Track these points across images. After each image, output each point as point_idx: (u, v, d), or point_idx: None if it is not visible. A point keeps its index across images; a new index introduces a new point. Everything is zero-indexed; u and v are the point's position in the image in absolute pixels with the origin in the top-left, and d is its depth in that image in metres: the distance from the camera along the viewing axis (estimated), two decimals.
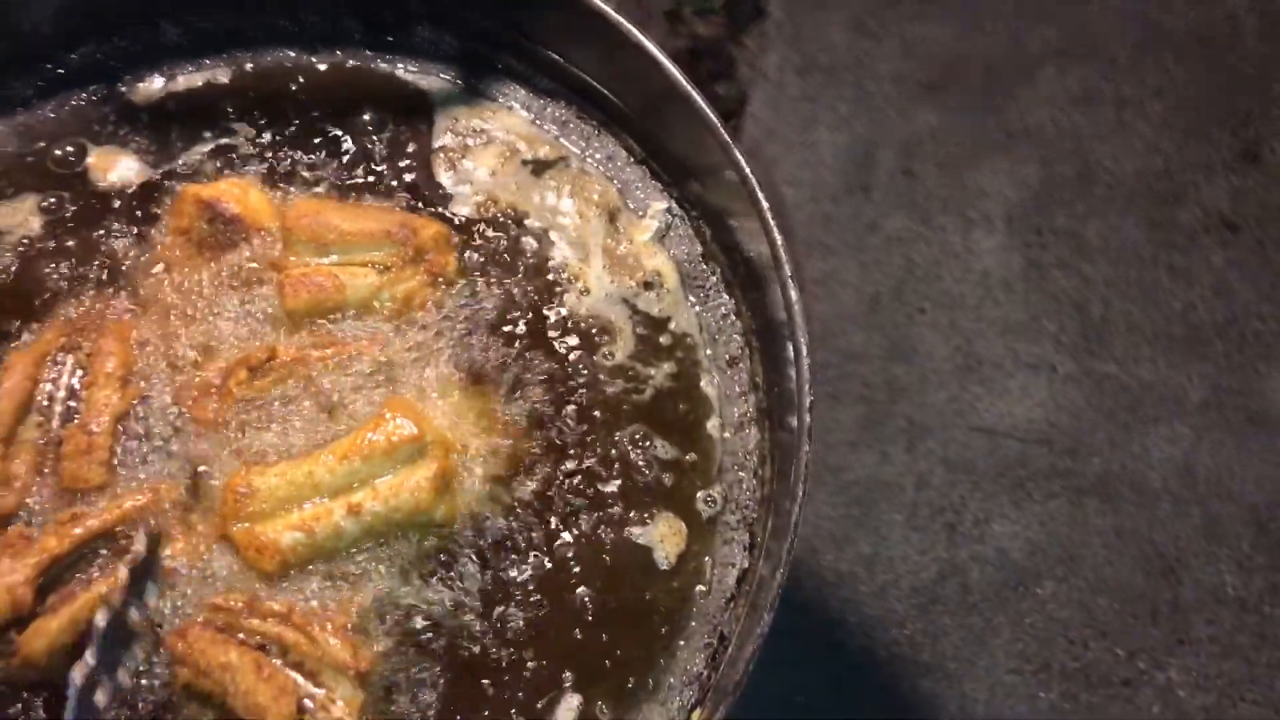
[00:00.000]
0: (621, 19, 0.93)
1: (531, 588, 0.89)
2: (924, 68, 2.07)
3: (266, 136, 1.06)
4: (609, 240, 1.02)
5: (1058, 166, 1.98)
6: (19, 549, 0.85)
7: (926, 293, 1.87)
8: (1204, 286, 1.88)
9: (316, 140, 1.06)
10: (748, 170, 0.88)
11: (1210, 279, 1.88)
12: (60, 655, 0.84)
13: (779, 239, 0.85)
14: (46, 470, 0.89)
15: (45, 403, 0.92)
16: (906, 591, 1.66)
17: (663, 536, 0.92)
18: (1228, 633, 1.64)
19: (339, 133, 1.06)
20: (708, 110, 0.90)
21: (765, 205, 0.86)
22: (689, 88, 0.90)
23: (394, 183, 1.05)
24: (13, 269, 0.99)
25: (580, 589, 0.89)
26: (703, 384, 0.96)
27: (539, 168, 1.06)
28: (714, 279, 1.00)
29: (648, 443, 0.94)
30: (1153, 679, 1.61)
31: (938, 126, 2.01)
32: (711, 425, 0.95)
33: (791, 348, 0.84)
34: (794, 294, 0.83)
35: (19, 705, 0.83)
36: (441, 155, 1.06)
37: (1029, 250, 1.91)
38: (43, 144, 1.04)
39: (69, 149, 1.04)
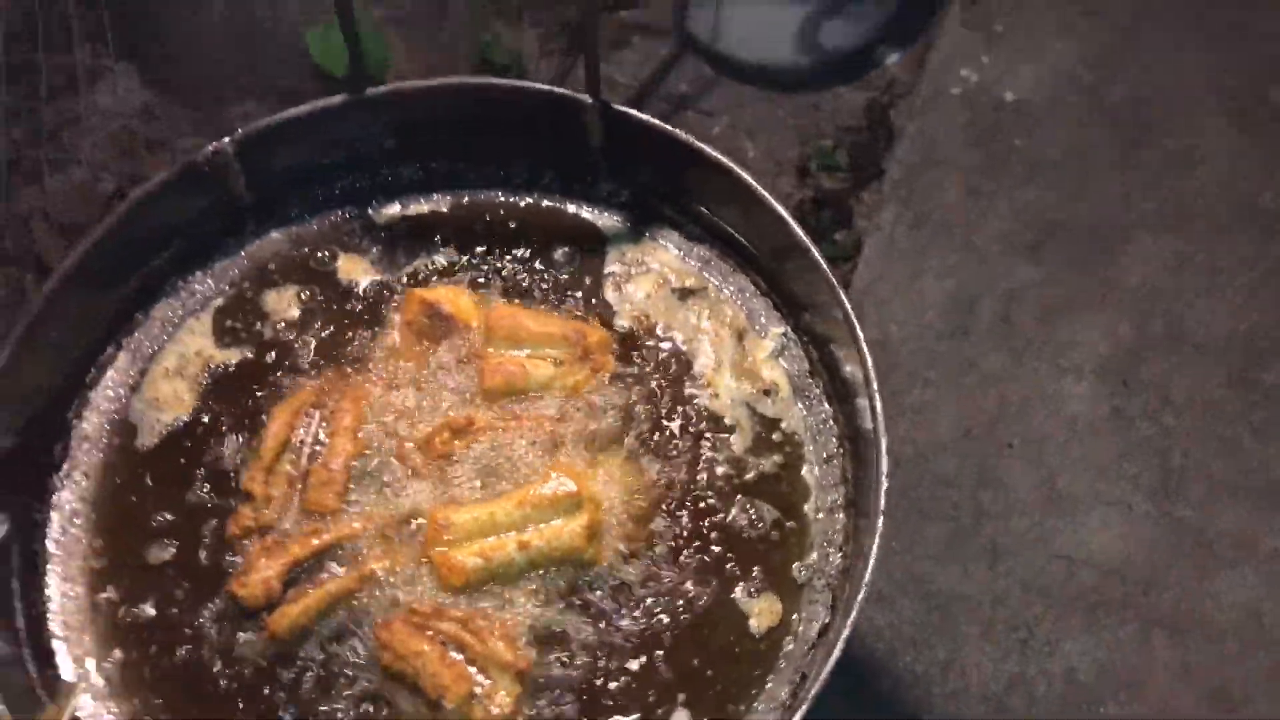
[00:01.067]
0: (756, 184, 1.20)
1: (654, 622, 1.12)
2: (1029, 228, 2.30)
3: (474, 256, 1.36)
4: (736, 355, 1.28)
5: (1148, 325, 2.17)
6: (273, 552, 1.13)
7: (1016, 429, 2.06)
8: None
9: (513, 261, 1.35)
10: (849, 307, 1.13)
11: None
12: (296, 633, 1.10)
13: (869, 362, 1.09)
14: (296, 496, 1.18)
15: (298, 445, 1.20)
16: (976, 698, 1.82)
17: (760, 610, 1.14)
18: None
19: (531, 256, 1.36)
20: (820, 258, 1.16)
21: (860, 335, 1.11)
22: (806, 240, 1.17)
23: (571, 298, 1.33)
24: (276, 341, 1.30)
25: (692, 628, 1.12)
26: (803, 473, 1.20)
27: (684, 294, 1.33)
28: (818, 391, 1.24)
29: (757, 515, 1.17)
30: None
31: (1037, 281, 2.23)
32: (808, 507, 1.18)
33: (875, 452, 1.07)
34: (878, 406, 1.07)
35: (264, 668, 1.10)
36: (610, 279, 1.34)
37: (1115, 399, 2.10)
38: (306, 249, 1.36)
39: (324, 254, 1.36)
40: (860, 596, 1.00)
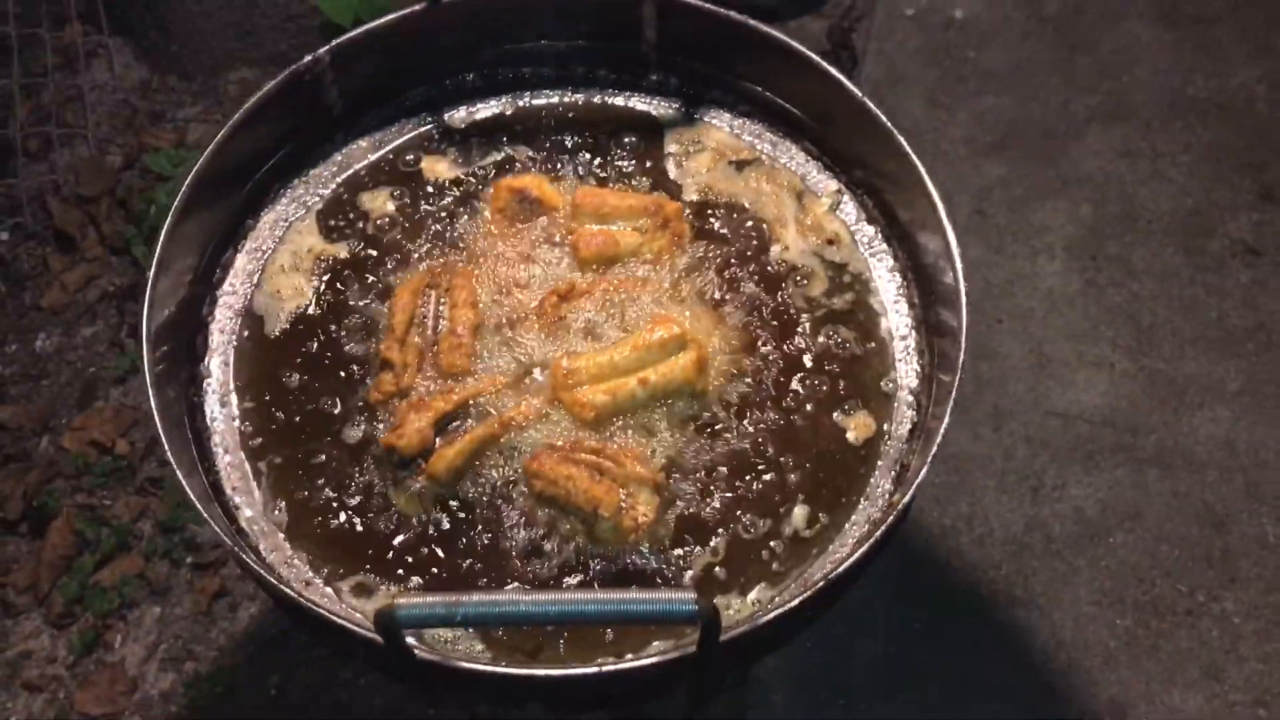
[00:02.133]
0: (815, 56, 1.36)
1: (764, 434, 1.27)
2: (989, 131, 2.51)
3: (543, 150, 1.49)
4: (798, 213, 1.43)
5: (1106, 207, 2.39)
6: (420, 408, 1.25)
7: (1003, 306, 2.26)
8: (1234, 299, 2.26)
9: (581, 151, 1.49)
10: (908, 147, 1.29)
11: (1239, 293, 2.27)
12: (452, 474, 1.22)
13: (936, 198, 1.26)
14: (428, 362, 1.30)
15: (423, 319, 1.32)
16: (1000, 541, 2.01)
17: (855, 425, 1.30)
18: (1271, 572, 1.97)
19: (595, 146, 1.49)
20: (882, 115, 1.32)
21: (924, 172, 1.27)
22: (866, 100, 1.33)
23: (639, 179, 1.47)
24: (381, 236, 1.41)
25: (796, 442, 1.28)
26: (873, 303, 1.36)
27: (740, 165, 1.48)
28: (875, 234, 1.41)
29: (839, 341, 1.33)
30: (1210, 609, 1.94)
31: (1004, 176, 2.44)
32: (883, 331, 1.34)
33: (948, 271, 1.24)
34: (950, 233, 1.23)
35: (427, 509, 1.22)
36: (670, 159, 1.49)
37: (1085, 273, 2.31)
38: (391, 154, 1.48)
39: (408, 156, 1.48)
40: (950, 399, 1.17)
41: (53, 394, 2.17)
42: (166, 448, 1.12)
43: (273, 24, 2.45)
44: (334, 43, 1.36)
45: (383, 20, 1.38)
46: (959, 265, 1.24)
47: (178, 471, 1.12)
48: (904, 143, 1.31)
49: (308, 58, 1.35)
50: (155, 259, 1.20)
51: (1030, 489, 2.07)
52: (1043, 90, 2.57)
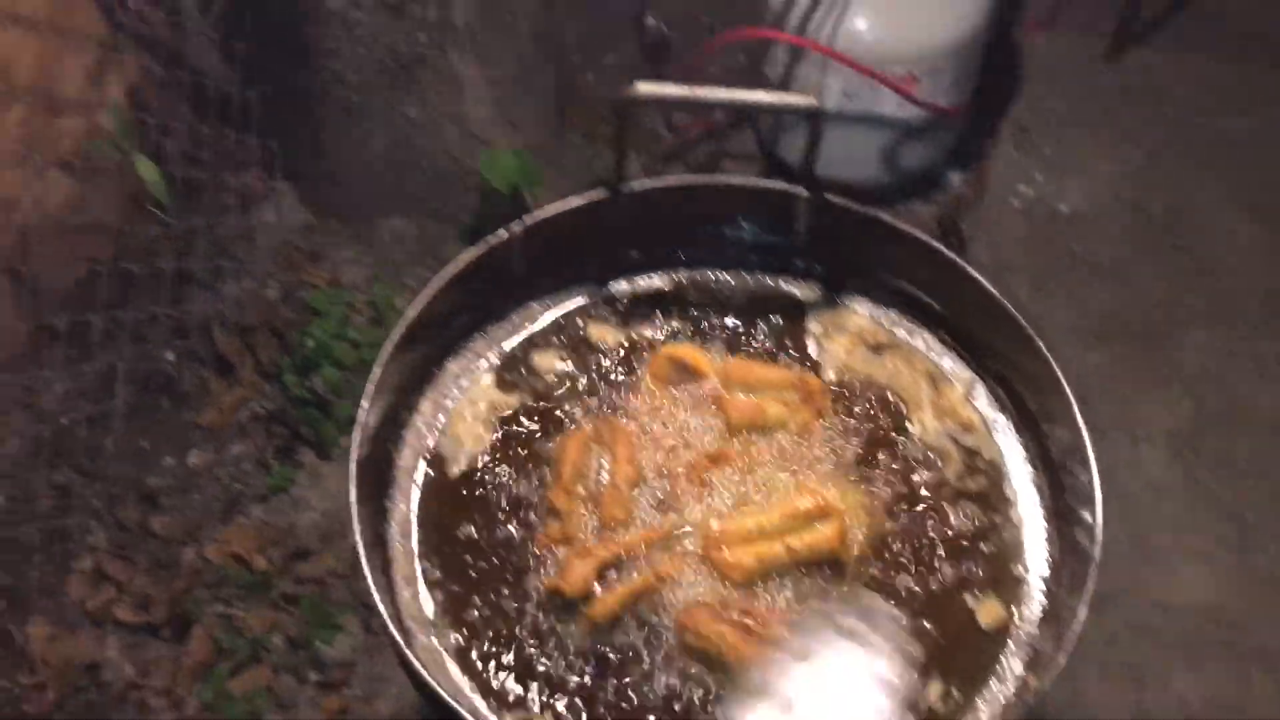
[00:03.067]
0: (958, 258, 1.49)
1: (898, 607, 1.36)
2: (1092, 321, 2.62)
3: (695, 322, 1.64)
4: (933, 396, 1.55)
5: (1208, 402, 2.47)
6: (584, 556, 1.36)
7: (1106, 492, 2.32)
8: None
9: (730, 326, 1.63)
10: (1041, 346, 1.41)
11: None
12: (611, 620, 1.33)
13: (1068, 392, 1.37)
14: (592, 512, 1.42)
15: (587, 471, 1.45)
16: None
17: (985, 609, 1.38)
18: None
19: (743, 322, 1.63)
20: (1014, 311, 1.44)
21: (1056, 367, 1.39)
22: (1005, 302, 1.45)
23: (783, 354, 1.60)
24: (550, 392, 1.55)
25: (929, 618, 1.36)
26: (1006, 491, 1.46)
27: (878, 349, 1.61)
28: (1007, 422, 1.52)
29: (972, 525, 1.43)
30: None
31: (1106, 366, 2.54)
32: (1015, 515, 1.44)
33: (1085, 472, 1.34)
34: (1083, 429, 1.34)
35: (586, 652, 1.32)
36: (811, 339, 1.62)
37: (1187, 465, 2.38)
38: (561, 319, 1.63)
39: (577, 321, 1.63)
40: (1085, 592, 1.25)
41: (201, 507, 2.33)
42: (364, 562, 1.25)
43: (429, 180, 2.69)
44: (526, 221, 1.53)
45: (571, 205, 1.55)
46: (1093, 462, 1.34)
47: (372, 589, 1.24)
48: (1038, 339, 1.43)
49: (502, 232, 1.52)
50: (366, 402, 1.35)
51: (1133, 679, 2.09)
52: (1145, 285, 2.69)
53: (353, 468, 1.32)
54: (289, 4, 2.53)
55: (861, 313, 1.65)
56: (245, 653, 2.10)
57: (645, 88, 1.45)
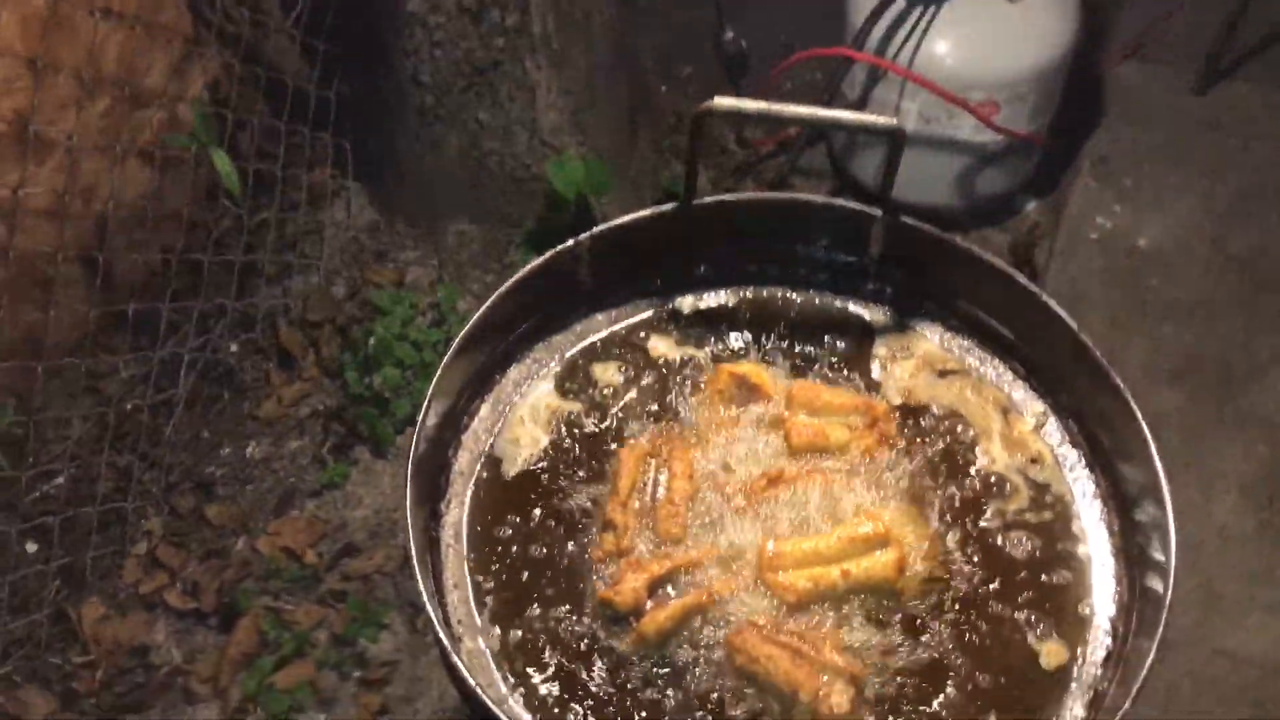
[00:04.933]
0: (1036, 289, 1.45)
1: (957, 641, 1.32)
2: (1167, 359, 2.55)
3: (760, 340, 1.61)
4: (1002, 427, 1.51)
5: None
6: (637, 569, 1.34)
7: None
8: None
9: (796, 345, 1.60)
10: (1120, 383, 1.36)
11: None
12: (662, 636, 1.30)
13: (1146, 431, 1.32)
14: (646, 526, 1.39)
15: (644, 485, 1.43)
16: None
17: (1049, 650, 1.33)
18: None
19: (809, 342, 1.60)
20: (1093, 347, 1.40)
21: (1135, 406, 1.34)
22: (1085, 338, 1.41)
23: (847, 376, 1.57)
24: (609, 404, 1.54)
25: (992, 651, 1.32)
26: (1074, 527, 1.41)
27: (944, 374, 1.57)
28: (1078, 458, 1.47)
29: (1038, 558, 1.38)
30: None
31: (1181, 406, 2.46)
32: (1082, 553, 1.39)
33: (1160, 512, 1.29)
34: (1161, 471, 1.29)
35: (634, 667, 1.30)
36: (876, 361, 1.59)
37: (1261, 513, 2.29)
38: (623, 330, 1.62)
39: (640, 334, 1.61)
40: (1159, 631, 1.21)
41: (255, 498, 2.35)
42: (415, 564, 1.24)
43: (497, 185, 2.69)
44: (595, 230, 1.52)
45: (639, 215, 1.54)
46: (1169, 502, 1.29)
47: (422, 591, 1.24)
48: (1114, 374, 1.39)
49: (570, 241, 1.51)
50: (426, 403, 1.35)
51: None
52: (1224, 325, 2.60)
53: (410, 466, 1.31)
54: (370, 5, 2.56)
55: (931, 338, 1.61)
56: (290, 646, 2.11)
57: (723, 101, 1.42)
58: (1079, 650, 1.32)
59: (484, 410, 1.52)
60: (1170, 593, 1.24)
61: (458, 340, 1.40)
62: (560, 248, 1.51)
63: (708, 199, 1.57)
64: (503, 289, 1.46)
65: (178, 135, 2.37)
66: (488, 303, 1.44)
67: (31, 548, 2.21)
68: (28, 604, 2.12)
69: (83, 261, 2.27)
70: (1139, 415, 1.35)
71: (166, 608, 2.17)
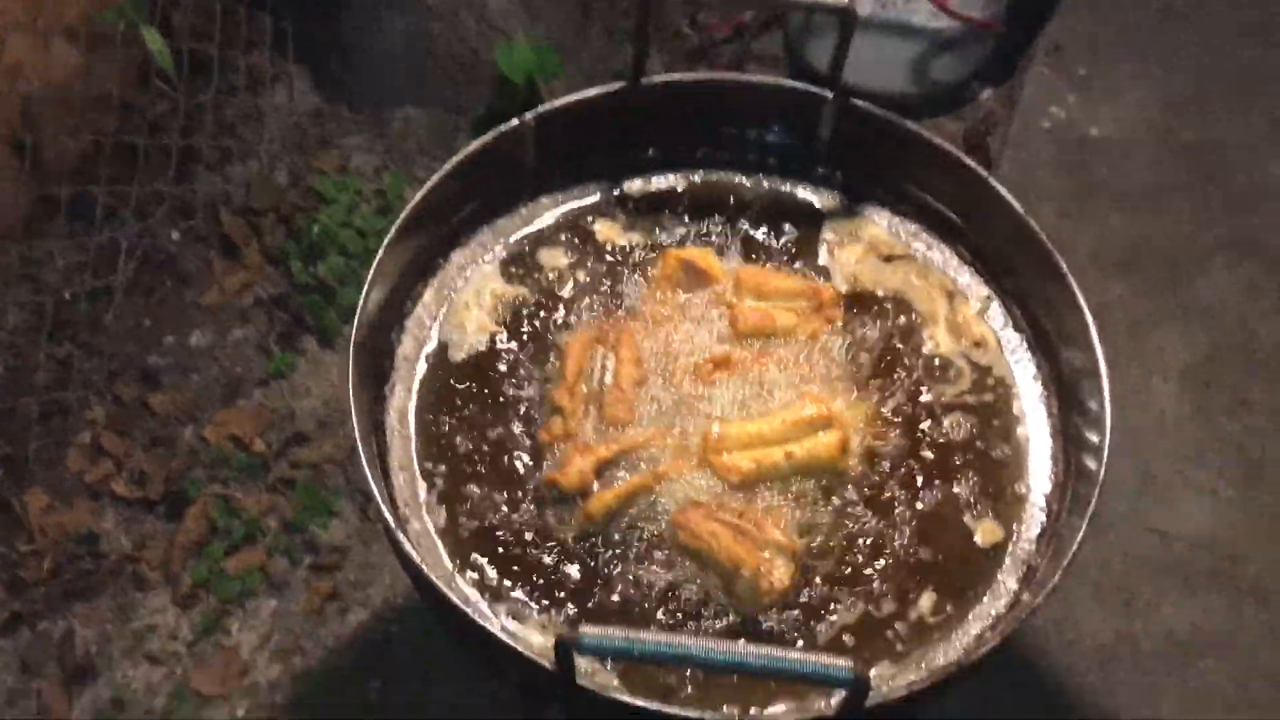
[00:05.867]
0: (985, 173, 1.45)
1: (896, 519, 1.35)
2: (1115, 250, 2.57)
3: (709, 225, 1.60)
4: (948, 312, 1.52)
5: (1225, 338, 2.43)
6: (584, 452, 1.35)
7: (1114, 423, 2.30)
8: None
9: (745, 230, 1.59)
10: (1064, 267, 1.37)
11: None
12: (605, 516, 1.32)
13: (1088, 315, 1.34)
14: (594, 410, 1.39)
15: (591, 370, 1.43)
16: (1089, 650, 2.04)
17: (983, 529, 1.36)
18: None
19: (757, 227, 1.59)
20: (1039, 230, 1.40)
21: (1078, 289, 1.35)
22: (1027, 216, 1.41)
23: (794, 262, 1.56)
24: (555, 289, 1.52)
25: (925, 532, 1.35)
26: (1014, 409, 1.44)
27: (889, 259, 1.57)
28: (1020, 342, 1.48)
29: (976, 441, 1.41)
30: None
31: (1125, 296, 2.49)
32: (1019, 433, 1.41)
33: (1097, 394, 1.32)
34: (1100, 353, 1.31)
35: (579, 546, 1.31)
36: (824, 246, 1.58)
37: (1198, 399, 2.35)
38: (570, 215, 1.59)
39: (586, 219, 1.59)
40: (1088, 512, 1.24)
41: (201, 388, 2.32)
42: (359, 445, 1.24)
43: (444, 70, 2.62)
44: (539, 110, 1.48)
45: (586, 94, 1.50)
46: (1107, 385, 1.31)
47: (368, 474, 1.23)
48: (1061, 261, 1.40)
49: (515, 121, 1.47)
50: (365, 288, 1.33)
51: (1123, 602, 2.10)
52: (1171, 216, 2.62)
53: (351, 349, 1.29)
54: None
55: (879, 223, 1.60)
56: (240, 533, 2.11)
57: None
58: (1014, 527, 1.35)
59: (428, 295, 1.50)
60: (1104, 471, 1.27)
61: (399, 222, 1.37)
62: (504, 127, 1.47)
63: (656, 79, 1.54)
64: (444, 169, 1.43)
65: (106, 12, 2.27)
66: (429, 183, 1.41)
67: None
68: None
69: (10, 144, 2.19)
70: (1081, 299, 1.36)
71: (113, 496, 2.16)
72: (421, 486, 1.36)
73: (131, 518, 2.15)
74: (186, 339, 2.38)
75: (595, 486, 1.34)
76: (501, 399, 1.42)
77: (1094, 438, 1.31)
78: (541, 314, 1.50)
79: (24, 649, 2.02)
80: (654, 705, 1.08)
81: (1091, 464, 1.30)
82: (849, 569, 1.32)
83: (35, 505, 2.09)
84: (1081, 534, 1.25)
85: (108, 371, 2.28)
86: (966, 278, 1.55)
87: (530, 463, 1.37)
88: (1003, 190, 1.45)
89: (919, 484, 1.38)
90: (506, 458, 1.38)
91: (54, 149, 2.29)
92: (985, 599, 1.31)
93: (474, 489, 1.36)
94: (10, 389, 2.20)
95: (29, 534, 2.08)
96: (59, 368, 2.25)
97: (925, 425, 1.42)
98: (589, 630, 0.96)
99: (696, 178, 1.64)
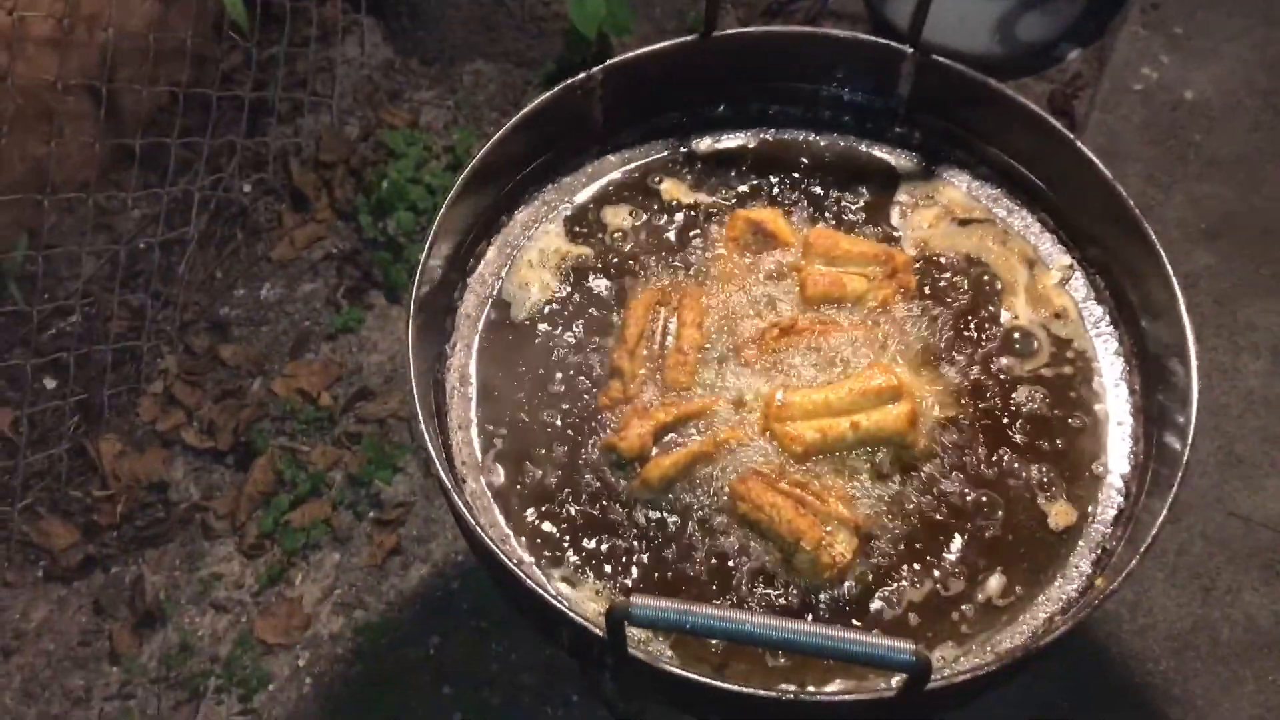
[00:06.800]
0: (1070, 134, 1.38)
1: (966, 497, 1.30)
2: (1205, 218, 2.45)
3: (780, 185, 1.55)
4: (1027, 281, 1.45)
5: None
6: (644, 416, 1.32)
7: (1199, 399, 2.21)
8: None
9: (816, 191, 1.54)
10: (1152, 236, 1.30)
11: None
12: (664, 483, 1.29)
13: (1176, 287, 1.27)
14: (654, 374, 1.37)
15: (653, 333, 1.40)
16: (1163, 636, 1.97)
17: (1057, 511, 1.31)
18: None
19: (829, 187, 1.54)
20: (1128, 199, 1.33)
21: (1166, 260, 1.28)
22: (1116, 184, 1.34)
23: (866, 225, 1.51)
24: (619, 248, 1.49)
25: (1002, 506, 1.30)
26: (1094, 384, 1.37)
27: (965, 223, 1.50)
28: (1103, 314, 1.42)
29: (1053, 417, 1.35)
30: None
31: (1214, 266, 2.38)
32: (1098, 410, 1.35)
33: (1184, 370, 1.25)
34: (1188, 327, 1.24)
35: (635, 513, 1.29)
36: (897, 208, 1.53)
37: None
38: (637, 172, 1.56)
39: (654, 177, 1.55)
40: (1174, 490, 1.18)
41: (270, 340, 2.34)
42: (417, 403, 1.22)
43: (516, 23, 2.58)
44: (608, 63, 1.45)
45: (656, 47, 1.46)
46: (1194, 361, 1.25)
47: (424, 431, 1.22)
48: (1150, 230, 1.32)
49: (582, 74, 1.44)
50: (428, 243, 1.31)
51: (1202, 588, 2.02)
52: (1267, 184, 2.50)
53: (413, 305, 1.28)
54: None
55: (959, 186, 1.54)
56: (306, 486, 2.13)
57: None
58: (1089, 509, 1.30)
59: (491, 253, 1.47)
60: (1188, 453, 1.20)
61: (462, 177, 1.35)
62: (572, 80, 1.44)
63: (729, 31, 1.49)
64: (510, 123, 1.40)
65: None
66: (494, 138, 1.39)
67: (50, 384, 2.23)
68: (47, 438, 2.15)
69: (88, 93, 2.21)
70: (1169, 270, 1.29)
71: (184, 445, 2.19)
72: (479, 446, 1.34)
73: (201, 467, 2.18)
74: (257, 291, 2.40)
75: (653, 452, 1.31)
76: (562, 360, 1.40)
77: (1179, 416, 1.24)
78: (605, 273, 1.47)
79: (97, 590, 2.07)
80: (706, 678, 1.05)
81: (1175, 444, 1.24)
82: (913, 546, 1.28)
83: (108, 451, 2.13)
84: (1162, 518, 1.19)
85: (180, 322, 2.31)
86: (1048, 245, 1.48)
87: (589, 426, 1.35)
88: (1087, 151, 1.38)
89: (990, 461, 1.33)
90: (566, 420, 1.36)
91: (129, 100, 2.31)
92: (1056, 582, 1.26)
93: (532, 451, 1.34)
94: (86, 336, 2.24)
95: (102, 479, 2.13)
96: (132, 316, 2.29)
97: (999, 399, 1.37)
98: (641, 601, 0.93)
99: (768, 135, 1.59)
